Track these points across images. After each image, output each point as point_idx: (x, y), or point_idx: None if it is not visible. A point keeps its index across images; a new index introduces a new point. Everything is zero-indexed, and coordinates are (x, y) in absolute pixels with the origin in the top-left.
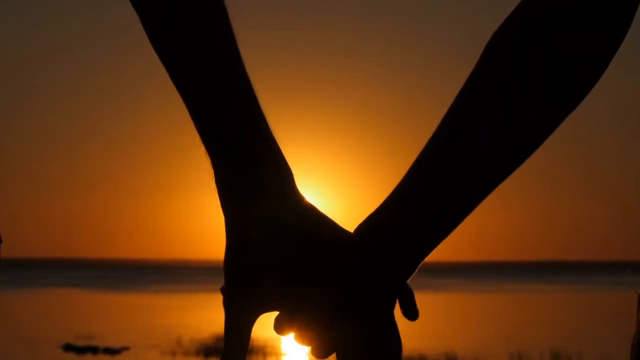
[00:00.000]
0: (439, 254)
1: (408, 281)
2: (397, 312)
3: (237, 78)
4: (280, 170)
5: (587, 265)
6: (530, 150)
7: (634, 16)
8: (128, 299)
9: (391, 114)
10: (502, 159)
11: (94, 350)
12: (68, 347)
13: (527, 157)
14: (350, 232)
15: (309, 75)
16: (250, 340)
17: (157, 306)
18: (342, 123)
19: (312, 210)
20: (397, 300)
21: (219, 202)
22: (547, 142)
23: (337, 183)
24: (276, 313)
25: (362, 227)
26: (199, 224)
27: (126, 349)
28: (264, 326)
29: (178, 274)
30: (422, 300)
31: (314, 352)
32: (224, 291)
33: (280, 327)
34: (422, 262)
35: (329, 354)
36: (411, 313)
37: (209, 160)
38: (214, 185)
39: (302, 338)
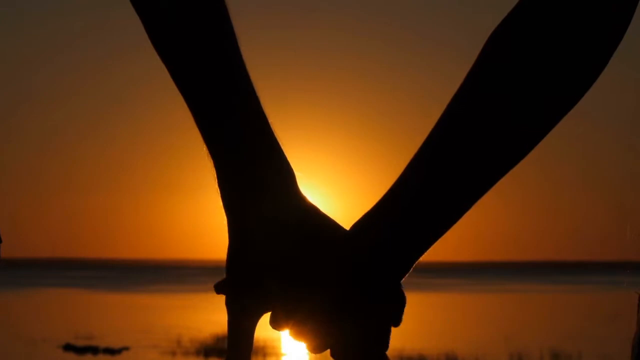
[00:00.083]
0: (439, 254)
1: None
2: None
3: (238, 78)
4: (282, 170)
5: (587, 265)
6: (528, 148)
7: (634, 13)
8: (128, 299)
9: (391, 113)
10: (500, 157)
11: (94, 350)
12: (68, 347)
13: (525, 155)
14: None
15: (308, 75)
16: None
17: (157, 306)
18: (341, 122)
19: (313, 211)
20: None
21: (219, 202)
22: (547, 143)
23: (337, 183)
24: None
25: (359, 224)
26: (199, 224)
27: (126, 349)
28: (264, 326)
29: (178, 274)
30: (423, 300)
31: (310, 348)
32: (217, 287)
33: (276, 322)
34: (418, 260)
35: (324, 350)
36: (396, 320)
37: (211, 160)
38: (216, 185)
39: (299, 334)
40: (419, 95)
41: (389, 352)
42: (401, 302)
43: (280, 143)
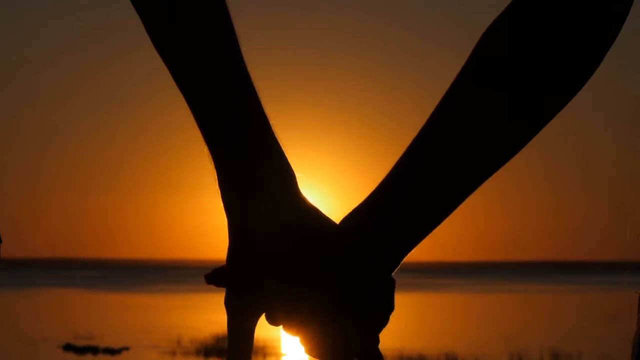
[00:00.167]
0: (439, 254)
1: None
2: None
3: (238, 78)
4: (282, 171)
5: (587, 265)
6: (521, 143)
7: (629, 11)
8: (128, 299)
9: (391, 113)
10: (493, 152)
11: (94, 350)
12: (68, 347)
13: (518, 151)
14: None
15: (308, 75)
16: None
17: (157, 306)
18: (341, 122)
19: (313, 211)
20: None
21: (219, 202)
22: (547, 143)
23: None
24: None
25: (349, 219)
26: (199, 224)
27: (126, 349)
28: (264, 326)
29: (178, 274)
30: (423, 300)
31: (307, 349)
32: (208, 278)
33: (272, 318)
34: (407, 254)
35: (321, 349)
36: (390, 306)
37: (211, 160)
38: (216, 185)
39: (295, 332)
40: (419, 95)
41: (389, 352)
42: (390, 286)
43: (280, 143)
